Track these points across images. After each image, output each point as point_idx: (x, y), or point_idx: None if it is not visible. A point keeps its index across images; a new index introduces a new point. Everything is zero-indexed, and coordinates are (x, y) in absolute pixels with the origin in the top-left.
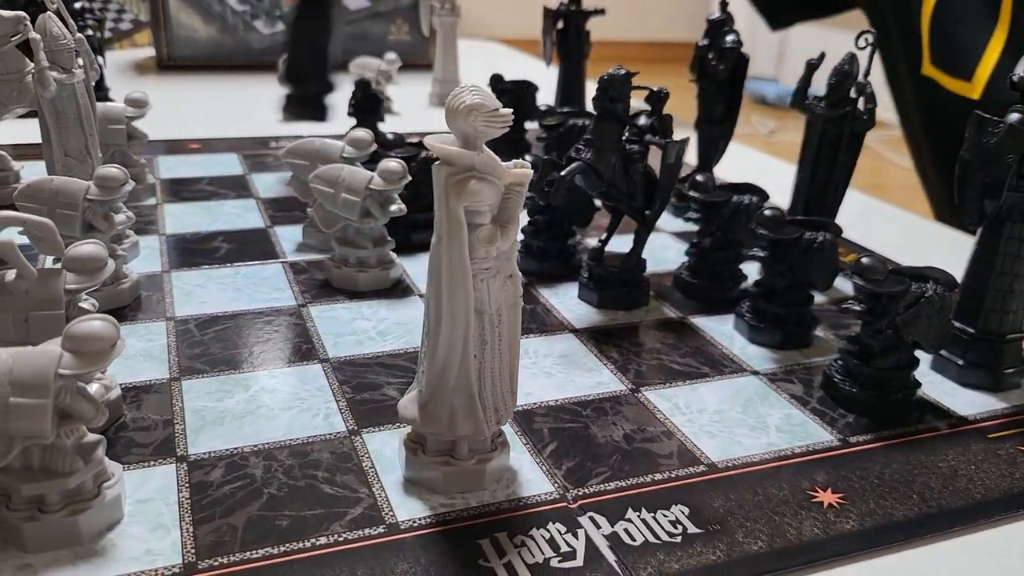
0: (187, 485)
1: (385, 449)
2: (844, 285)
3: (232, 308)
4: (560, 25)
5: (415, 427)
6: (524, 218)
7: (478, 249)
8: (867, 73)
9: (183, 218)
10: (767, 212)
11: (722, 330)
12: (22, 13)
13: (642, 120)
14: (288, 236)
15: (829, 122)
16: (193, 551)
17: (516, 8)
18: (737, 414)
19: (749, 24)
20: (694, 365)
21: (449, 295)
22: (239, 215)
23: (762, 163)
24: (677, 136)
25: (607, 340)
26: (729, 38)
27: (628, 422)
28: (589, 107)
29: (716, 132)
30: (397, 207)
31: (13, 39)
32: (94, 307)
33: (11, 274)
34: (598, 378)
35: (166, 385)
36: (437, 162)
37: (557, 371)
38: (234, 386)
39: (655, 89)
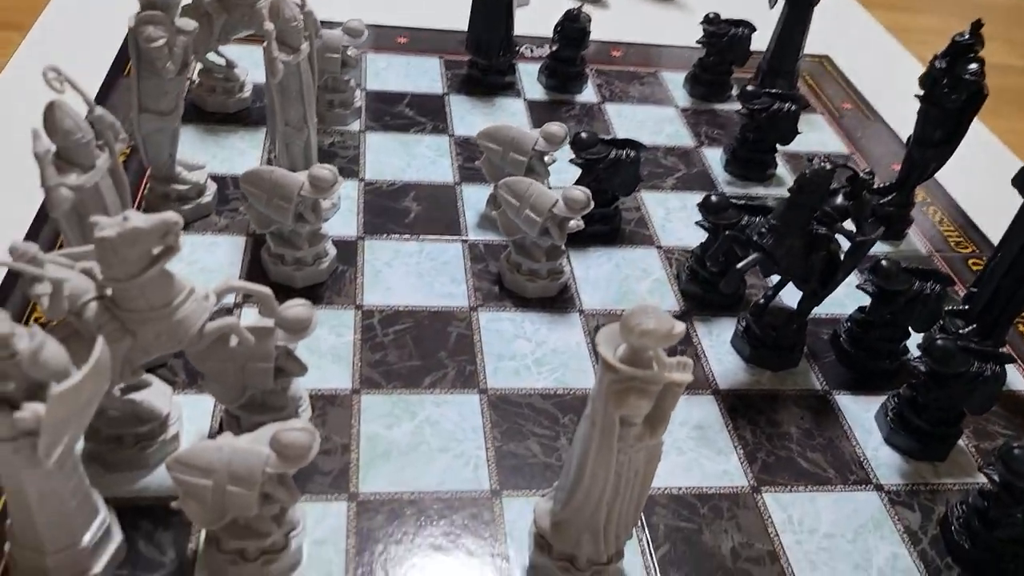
0: (354, 531)
1: (519, 522)
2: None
3: (412, 301)
4: None
5: (545, 535)
6: (692, 241)
7: (627, 440)
8: None
9: (382, 157)
10: (939, 342)
11: (862, 419)
12: None
13: (838, 200)
14: (473, 201)
15: None
16: None
17: None
18: (847, 543)
19: None
20: (821, 466)
21: (592, 471)
22: (432, 161)
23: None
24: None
25: (745, 412)
26: (971, 67)
27: (739, 532)
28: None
29: (928, 155)
30: (576, 224)
31: None
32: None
33: (233, 339)
34: (724, 466)
35: (348, 398)
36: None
37: (689, 448)
38: (403, 411)
39: (860, 175)
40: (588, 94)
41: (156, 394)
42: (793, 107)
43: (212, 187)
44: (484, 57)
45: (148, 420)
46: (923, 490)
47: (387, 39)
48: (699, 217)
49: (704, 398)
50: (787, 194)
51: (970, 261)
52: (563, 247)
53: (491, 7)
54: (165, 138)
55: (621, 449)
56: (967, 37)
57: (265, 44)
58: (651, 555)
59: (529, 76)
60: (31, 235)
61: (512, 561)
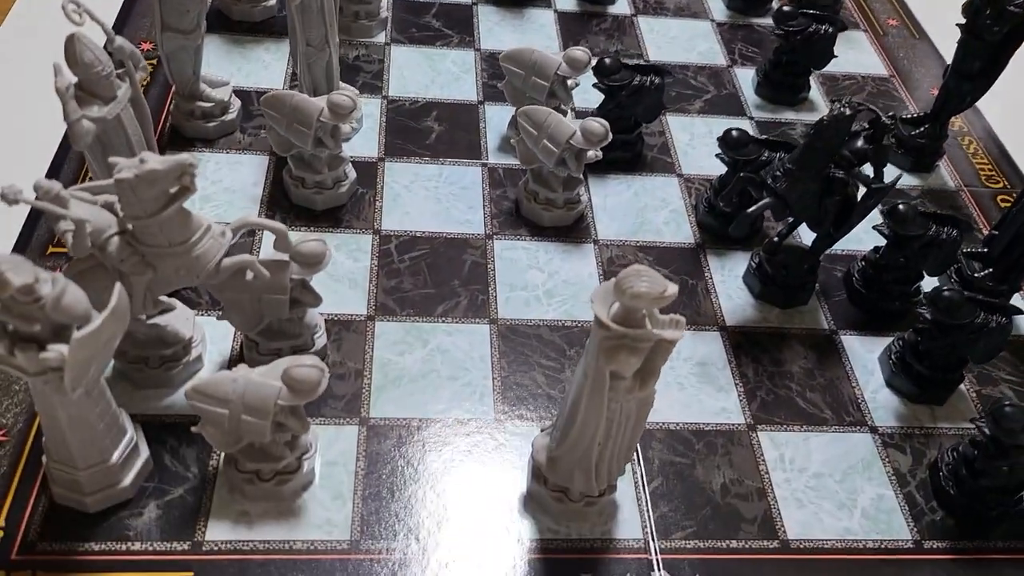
0: (363, 454)
1: (520, 450)
2: None
3: (430, 227)
4: None
5: (541, 468)
6: (714, 170)
7: (617, 392)
8: None
9: (406, 72)
10: (945, 292)
11: (865, 360)
12: None
13: (859, 143)
14: (495, 122)
15: None
16: (358, 529)
17: None
18: (834, 483)
19: None
20: (818, 406)
21: (584, 417)
22: (456, 77)
23: None
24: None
25: (750, 349)
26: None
27: (731, 469)
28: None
29: (965, 88)
30: (594, 155)
31: None
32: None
33: (249, 274)
34: (724, 403)
35: (363, 324)
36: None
37: (690, 384)
38: (415, 339)
39: (883, 119)
40: (621, 5)
41: (179, 318)
42: (830, 29)
43: (236, 103)
44: None
45: (172, 343)
46: (917, 434)
47: None
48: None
49: (710, 334)
50: (817, 119)
51: (999, 197)
52: (580, 178)
53: None
54: (188, 56)
55: (612, 399)
56: None
57: None
58: (644, 487)
59: None
60: (55, 166)
61: (511, 488)
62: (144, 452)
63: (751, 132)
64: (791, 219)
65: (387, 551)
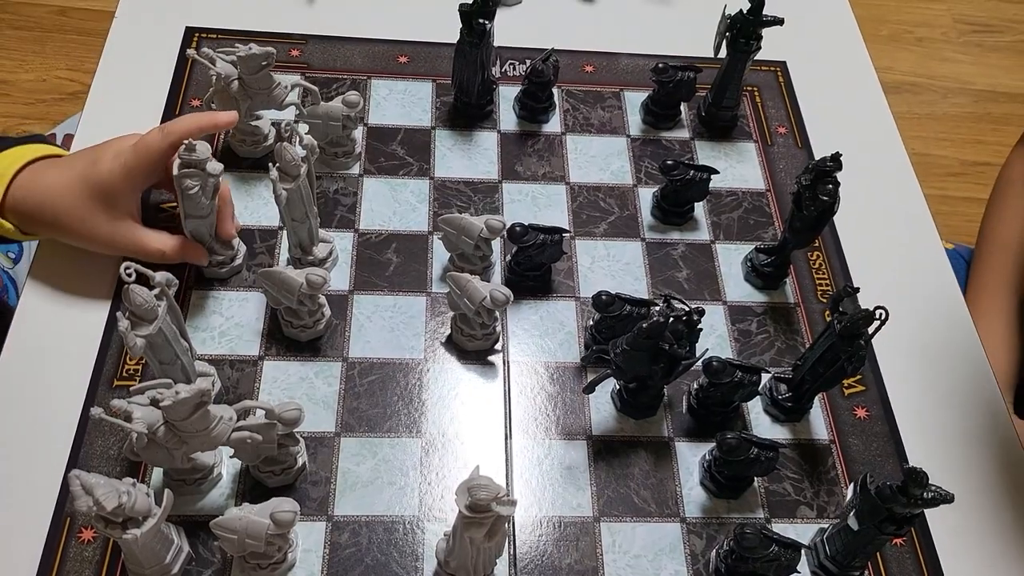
0: (329, 543)
1: (433, 541)
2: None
3: (383, 355)
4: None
5: (440, 563)
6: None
7: (476, 543)
8: (867, 341)
9: (373, 204)
10: (728, 437)
11: (690, 463)
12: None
13: (679, 326)
14: (439, 252)
15: (837, 341)
16: None
17: None
18: (647, 562)
19: None
20: (648, 502)
21: (458, 548)
22: (412, 208)
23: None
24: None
25: (606, 455)
26: (828, 187)
27: (577, 551)
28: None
29: (796, 238)
30: (502, 307)
31: (264, 65)
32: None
33: (248, 440)
34: (579, 500)
35: (331, 440)
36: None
37: (557, 484)
38: (367, 451)
39: (692, 313)
40: (554, 124)
41: (205, 453)
42: (705, 175)
43: (242, 250)
44: (465, 96)
45: (201, 469)
46: (714, 523)
47: (389, 59)
48: (619, 265)
49: (579, 443)
50: (699, 236)
51: (826, 312)
52: (496, 318)
53: (469, 59)
54: (205, 229)
55: (473, 545)
56: (829, 164)
57: (271, 180)
58: (515, 565)
59: (507, 102)
60: (103, 346)
61: (426, 568)
62: (185, 548)
63: (641, 254)
64: None
65: None
